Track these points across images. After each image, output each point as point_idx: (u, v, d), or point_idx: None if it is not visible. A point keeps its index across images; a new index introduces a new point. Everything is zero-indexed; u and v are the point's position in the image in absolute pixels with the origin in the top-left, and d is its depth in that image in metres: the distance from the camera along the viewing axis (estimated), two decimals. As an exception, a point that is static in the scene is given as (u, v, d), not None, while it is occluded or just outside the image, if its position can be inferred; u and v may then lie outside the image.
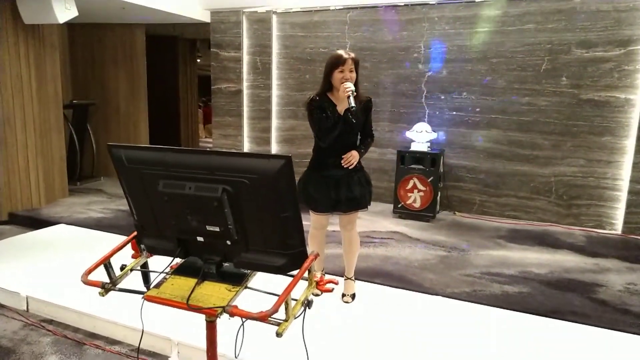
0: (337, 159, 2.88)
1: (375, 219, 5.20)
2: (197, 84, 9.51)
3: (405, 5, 5.57)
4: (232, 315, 1.47)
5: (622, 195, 5.04)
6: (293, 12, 6.12)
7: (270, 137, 6.49)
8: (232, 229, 1.60)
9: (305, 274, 1.68)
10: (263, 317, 1.40)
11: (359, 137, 2.99)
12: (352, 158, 2.85)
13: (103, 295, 1.77)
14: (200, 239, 1.69)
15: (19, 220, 5.12)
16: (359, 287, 3.32)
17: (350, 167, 2.87)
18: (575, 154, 5.17)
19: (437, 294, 3.33)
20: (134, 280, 1.89)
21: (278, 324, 1.51)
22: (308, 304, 1.62)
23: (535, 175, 5.34)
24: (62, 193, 5.82)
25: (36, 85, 5.24)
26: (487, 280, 3.63)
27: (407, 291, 3.38)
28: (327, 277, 3.18)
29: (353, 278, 3.24)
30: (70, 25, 6.88)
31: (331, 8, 5.90)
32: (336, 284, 3.15)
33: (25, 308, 3.16)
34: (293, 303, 1.59)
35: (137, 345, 2.56)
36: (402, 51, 5.68)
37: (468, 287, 3.48)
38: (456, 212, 5.60)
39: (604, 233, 5.05)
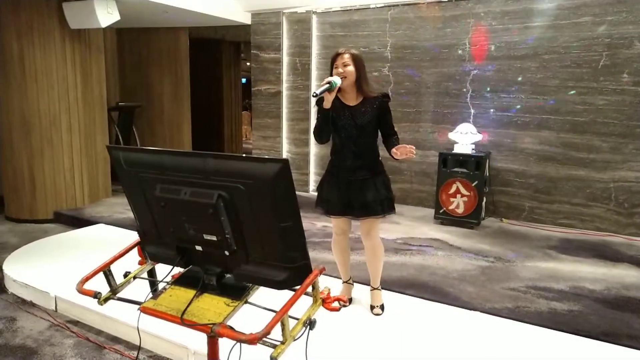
0: (348, 161, 2.77)
1: (415, 225, 4.96)
2: (241, 87, 9.59)
3: (449, 0, 5.29)
4: (218, 335, 1.33)
5: (694, 204, 4.53)
6: (333, 11, 5.98)
7: (309, 139, 6.38)
8: (229, 238, 1.48)
9: (310, 290, 1.54)
10: (253, 340, 1.26)
11: (375, 139, 2.81)
12: (410, 147, 2.60)
13: (101, 305, 1.70)
14: (199, 247, 1.58)
15: (64, 219, 5.29)
16: (389, 298, 3.11)
17: (408, 156, 2.63)
18: (638, 157, 4.70)
19: (475, 309, 3.07)
20: (141, 286, 1.81)
21: (274, 347, 1.36)
22: (310, 324, 1.46)
23: (592, 180, 4.90)
24: (106, 193, 5.97)
25: (82, 88, 5.40)
26: (532, 296, 3.31)
27: (442, 305, 3.14)
28: (334, 294, 3.00)
29: (379, 288, 3.05)
30: (119, 29, 7.12)
31: (371, 6, 5.71)
32: (344, 302, 3.00)
33: (54, 308, 3.20)
34: (292, 322, 1.44)
35: (152, 353, 2.50)
36: (445, 49, 5.40)
37: (511, 303, 3.18)
38: (503, 219, 5.24)
39: (672, 245, 4.55)
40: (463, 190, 4.85)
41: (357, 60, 2.69)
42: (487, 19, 5.14)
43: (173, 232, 1.60)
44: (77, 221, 5.17)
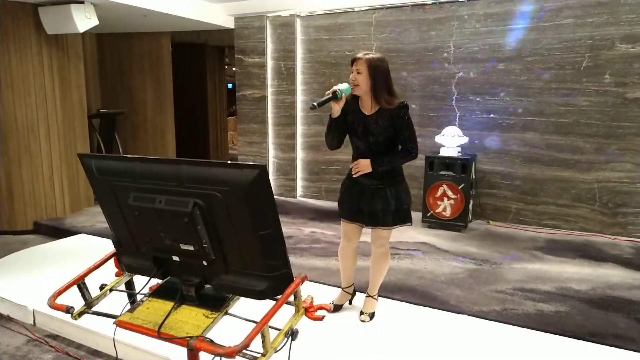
0: None
1: (402, 229, 4.83)
2: (226, 92, 9.50)
3: (432, 3, 5.30)
4: (195, 349, 1.28)
5: (676, 203, 4.57)
6: (317, 15, 5.95)
7: (296, 144, 6.33)
8: (207, 247, 1.42)
9: (292, 299, 1.49)
10: (231, 354, 1.21)
11: (392, 148, 2.72)
12: (357, 166, 2.64)
13: (76, 319, 1.63)
14: (176, 258, 1.52)
15: (44, 229, 5.16)
16: (378, 303, 3.07)
17: (355, 175, 2.67)
18: (621, 157, 4.73)
19: (462, 313, 3.04)
20: (123, 299, 1.74)
21: (254, 359, 1.31)
22: (292, 334, 1.41)
23: (577, 181, 4.93)
24: (88, 202, 5.85)
25: (60, 95, 5.29)
26: (520, 298, 3.30)
27: (430, 309, 3.10)
28: (317, 302, 2.95)
29: (376, 297, 3.01)
30: (98, 35, 7.00)
31: (356, 9, 5.69)
32: (329, 310, 2.96)
33: (32, 322, 3.10)
34: (274, 333, 1.39)
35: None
36: (430, 52, 5.40)
37: (498, 305, 3.17)
38: (490, 221, 5.24)
39: (656, 244, 4.58)
40: (450, 193, 4.84)
41: (372, 68, 2.53)
42: (470, 21, 5.15)
43: (149, 242, 1.54)
44: (58, 231, 5.04)
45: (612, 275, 3.76)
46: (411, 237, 4.65)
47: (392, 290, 3.35)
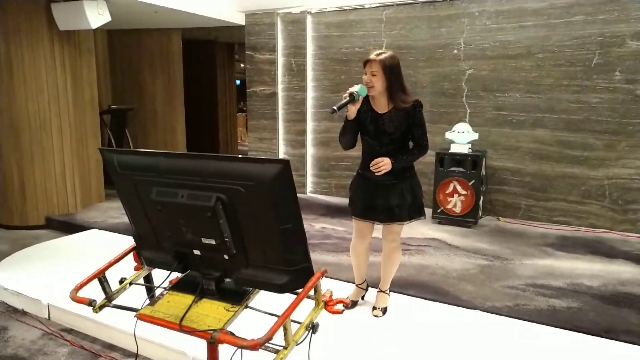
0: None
1: (412, 225, 4.85)
2: (235, 88, 9.52)
3: (443, 0, 5.28)
4: (219, 342, 1.30)
5: (688, 200, 4.55)
6: (328, 11, 5.95)
7: (306, 140, 6.34)
8: (228, 242, 1.44)
9: (312, 293, 1.50)
10: (254, 346, 1.23)
11: (404, 145, 2.74)
12: (381, 164, 2.60)
13: (97, 312, 1.65)
14: (197, 252, 1.54)
15: (55, 224, 5.21)
16: (391, 298, 3.08)
17: (378, 174, 2.63)
18: (631, 154, 4.71)
19: (475, 308, 3.05)
20: (140, 292, 1.76)
21: (276, 352, 1.33)
22: (313, 328, 1.43)
23: (587, 177, 4.91)
24: (99, 197, 5.90)
25: (72, 91, 5.33)
26: (531, 293, 3.30)
27: (443, 304, 3.12)
28: (337, 296, 2.97)
29: (387, 292, 3.03)
30: (109, 31, 7.04)
31: (366, 6, 5.69)
32: (347, 304, 2.97)
33: (46, 316, 3.14)
34: (295, 327, 1.40)
35: None
36: (440, 48, 5.39)
37: (510, 301, 3.17)
38: (500, 218, 5.23)
39: (666, 241, 4.56)
40: (460, 190, 4.83)
41: (386, 69, 2.54)
42: (481, 18, 5.13)
43: (170, 237, 1.56)
44: (70, 227, 5.09)
45: (623, 271, 3.75)
46: (422, 233, 4.66)
47: (404, 286, 3.36)
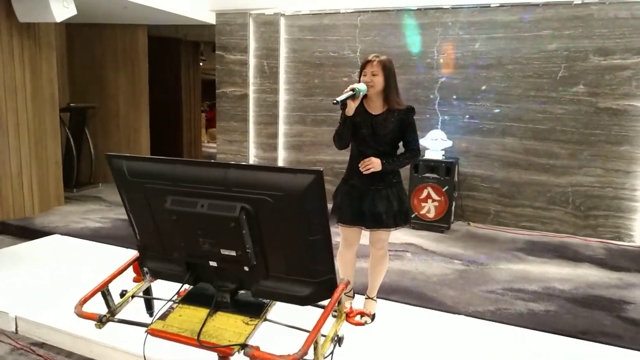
0: (360, 169, 2.68)
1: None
2: (200, 88, 9.30)
3: (418, 9, 5.38)
4: (252, 358, 1.24)
5: (642, 207, 4.84)
6: (302, 14, 5.92)
7: (278, 143, 6.28)
8: (250, 253, 1.38)
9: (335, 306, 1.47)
10: (291, 363, 1.18)
11: (394, 150, 2.74)
12: (369, 163, 2.61)
13: (100, 328, 1.54)
14: (213, 263, 1.47)
15: (11, 230, 4.87)
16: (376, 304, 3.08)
17: (366, 172, 2.64)
18: (592, 163, 4.97)
19: (459, 313, 3.11)
20: (136, 305, 1.67)
21: (305, 367, 1.29)
22: (338, 340, 1.40)
23: (552, 185, 5.13)
24: (58, 201, 5.58)
25: (31, 88, 5.02)
26: (510, 297, 3.40)
27: (428, 310, 3.15)
28: (356, 308, 2.94)
29: (375, 298, 3.02)
30: (68, 25, 6.68)
31: (341, 11, 5.70)
32: (369, 315, 2.93)
33: (14, 330, 2.92)
34: (321, 340, 1.36)
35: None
36: (414, 56, 5.48)
37: (492, 305, 3.25)
38: (470, 223, 5.38)
39: (623, 245, 4.84)
40: (434, 195, 4.93)
41: (386, 69, 2.60)
42: (454, 28, 5.26)
43: (184, 247, 1.48)
44: (27, 232, 4.77)
45: (590, 275, 3.93)
46: (397, 238, 4.70)
47: (388, 292, 3.37)
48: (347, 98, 2.49)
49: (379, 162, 2.61)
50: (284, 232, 1.35)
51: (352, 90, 2.50)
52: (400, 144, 2.77)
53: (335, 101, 2.44)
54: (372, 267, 2.96)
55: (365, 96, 2.63)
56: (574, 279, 3.82)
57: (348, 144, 2.74)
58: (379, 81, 2.59)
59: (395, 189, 2.76)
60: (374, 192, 2.72)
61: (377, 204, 2.71)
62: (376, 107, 2.69)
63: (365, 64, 2.62)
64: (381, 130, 2.65)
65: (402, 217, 2.80)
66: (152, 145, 7.34)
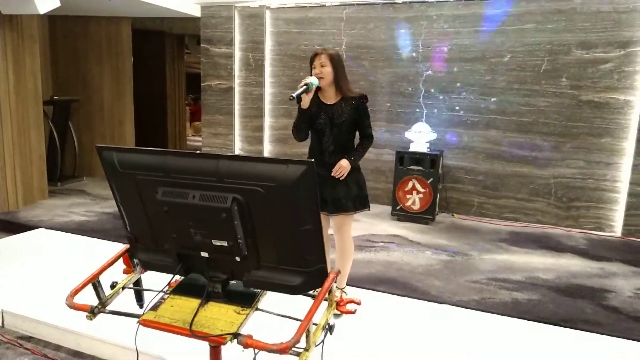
0: (324, 158, 2.82)
1: (373, 222, 5.03)
2: (185, 82, 9.23)
3: (403, 2, 5.41)
4: (245, 346, 1.27)
5: (622, 197, 4.96)
6: (287, 7, 5.91)
7: (263, 136, 6.27)
8: (242, 243, 1.40)
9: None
10: (284, 350, 1.21)
11: (351, 137, 2.87)
12: (341, 169, 2.76)
13: (91, 319, 1.55)
14: (204, 254, 1.49)
15: (-4, 223, 4.82)
16: (363, 295, 3.12)
17: (342, 178, 2.78)
18: (574, 155, 5.07)
19: (445, 303, 3.17)
20: (125, 297, 1.68)
21: (297, 354, 1.32)
22: (330, 328, 1.43)
23: (535, 176, 5.23)
24: (42, 194, 5.51)
25: (14, 80, 4.94)
26: (495, 287, 3.48)
27: (414, 299, 3.21)
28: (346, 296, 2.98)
29: (345, 289, 3.03)
30: (51, 17, 6.56)
31: (327, 4, 5.70)
32: (358, 304, 2.98)
33: (0, 324, 2.89)
34: (313, 328, 1.39)
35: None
36: (399, 49, 5.51)
37: (476, 295, 3.32)
38: (454, 214, 5.46)
39: (604, 235, 4.96)
40: (419, 187, 4.99)
41: (334, 60, 2.73)
42: (439, 21, 5.30)
43: (175, 239, 1.50)
44: (12, 226, 4.71)
45: (572, 264, 4.03)
46: (383, 230, 4.76)
47: (374, 282, 3.42)
48: (302, 92, 2.62)
49: (347, 163, 2.76)
50: (275, 222, 1.37)
51: (306, 84, 2.61)
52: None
53: (291, 97, 2.57)
54: (337, 256, 3.00)
55: (319, 88, 2.74)
56: (557, 269, 3.91)
57: (306, 136, 2.87)
58: (328, 72, 2.70)
59: (354, 175, 2.86)
60: (333, 179, 2.81)
61: (338, 190, 2.81)
62: (330, 97, 2.80)
63: (314, 57, 2.75)
64: (337, 118, 2.77)
65: (362, 201, 2.90)
66: (136, 139, 7.28)
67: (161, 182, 1.43)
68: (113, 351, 2.55)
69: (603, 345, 2.74)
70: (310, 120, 2.81)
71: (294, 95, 2.59)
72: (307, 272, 1.43)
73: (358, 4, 5.59)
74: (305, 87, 2.62)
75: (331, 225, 2.96)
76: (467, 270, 3.78)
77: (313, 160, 1.29)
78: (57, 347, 2.70)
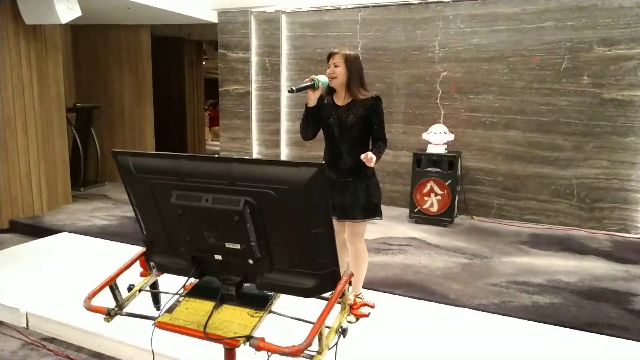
0: (334, 161, 2.75)
1: (390, 224, 5.00)
2: (203, 87, 9.34)
3: (419, 3, 5.38)
4: (258, 349, 1.27)
5: (648, 198, 4.83)
6: (303, 11, 5.93)
7: (280, 140, 6.30)
8: (254, 246, 1.41)
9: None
10: (296, 353, 1.20)
11: (362, 141, 2.76)
12: (369, 158, 2.57)
13: (108, 321, 1.58)
14: (218, 257, 1.50)
15: (20, 228, 4.94)
16: (380, 298, 3.11)
17: (372, 165, 2.61)
18: (597, 155, 4.96)
19: (464, 306, 3.12)
20: (142, 299, 1.70)
21: (310, 357, 1.31)
22: (343, 332, 1.42)
23: (556, 177, 5.13)
24: (65, 199, 5.64)
25: (38, 88, 5.07)
26: (515, 290, 3.41)
27: (432, 303, 3.17)
28: (360, 300, 2.96)
29: (361, 295, 3.00)
30: (73, 26, 6.74)
31: (342, 7, 5.71)
32: (372, 307, 2.95)
33: (25, 325, 2.97)
34: (325, 331, 1.39)
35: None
36: (415, 51, 5.48)
37: (496, 298, 3.27)
38: (474, 216, 5.38)
39: (630, 237, 4.83)
40: (437, 189, 4.94)
41: (348, 62, 2.64)
42: (455, 22, 5.25)
43: (189, 242, 1.51)
44: (37, 230, 4.84)
45: (595, 267, 3.93)
46: (401, 233, 4.72)
47: (392, 285, 3.40)
48: (305, 88, 2.56)
49: (372, 155, 2.59)
50: (288, 225, 1.37)
51: (311, 80, 2.56)
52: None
53: (290, 89, 2.52)
54: (351, 263, 2.92)
55: (333, 89, 2.70)
56: (580, 272, 3.82)
57: (312, 135, 2.81)
58: (341, 72, 2.63)
59: (364, 182, 2.75)
60: (343, 185, 2.75)
61: (345, 196, 2.74)
62: (341, 98, 2.74)
63: (329, 56, 2.69)
64: (345, 120, 2.68)
65: (370, 210, 2.77)
66: (156, 144, 7.39)
67: (175, 186, 1.45)
68: (131, 353, 2.59)
69: (631, 351, 2.66)
70: (320, 121, 2.75)
71: (294, 88, 2.52)
72: (320, 275, 1.43)
73: (373, 6, 5.58)
74: (310, 83, 2.57)
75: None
76: (486, 273, 3.72)
77: (324, 162, 1.29)
78: (79, 349, 2.75)
